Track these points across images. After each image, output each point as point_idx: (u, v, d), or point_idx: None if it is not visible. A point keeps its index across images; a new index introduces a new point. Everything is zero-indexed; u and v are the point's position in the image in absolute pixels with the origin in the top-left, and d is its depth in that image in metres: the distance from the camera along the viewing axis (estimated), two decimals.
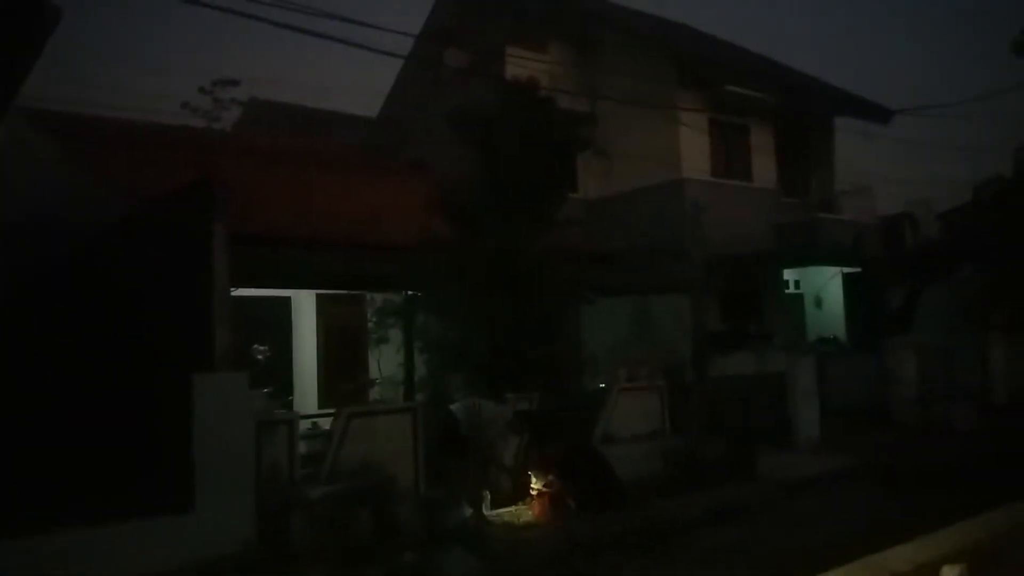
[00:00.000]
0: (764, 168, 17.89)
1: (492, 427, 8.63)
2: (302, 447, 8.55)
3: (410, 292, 11.02)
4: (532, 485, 8.77)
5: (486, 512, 8.58)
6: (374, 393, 11.77)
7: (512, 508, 8.82)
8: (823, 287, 18.02)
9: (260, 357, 10.56)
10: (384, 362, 11.69)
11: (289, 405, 10.93)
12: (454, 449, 8.55)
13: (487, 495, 8.66)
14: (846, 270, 17.74)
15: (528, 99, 11.24)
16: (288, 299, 12.05)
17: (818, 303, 18.12)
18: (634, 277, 13.53)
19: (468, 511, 8.28)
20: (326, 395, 11.52)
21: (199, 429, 7.48)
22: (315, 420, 9.85)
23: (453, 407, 8.89)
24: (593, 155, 14.20)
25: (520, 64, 14.92)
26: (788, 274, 17.53)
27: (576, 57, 17.30)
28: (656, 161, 15.69)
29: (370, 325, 11.58)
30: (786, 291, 17.50)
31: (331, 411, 9.54)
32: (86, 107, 12.83)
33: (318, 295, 12.00)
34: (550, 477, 8.68)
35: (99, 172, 11.75)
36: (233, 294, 8.29)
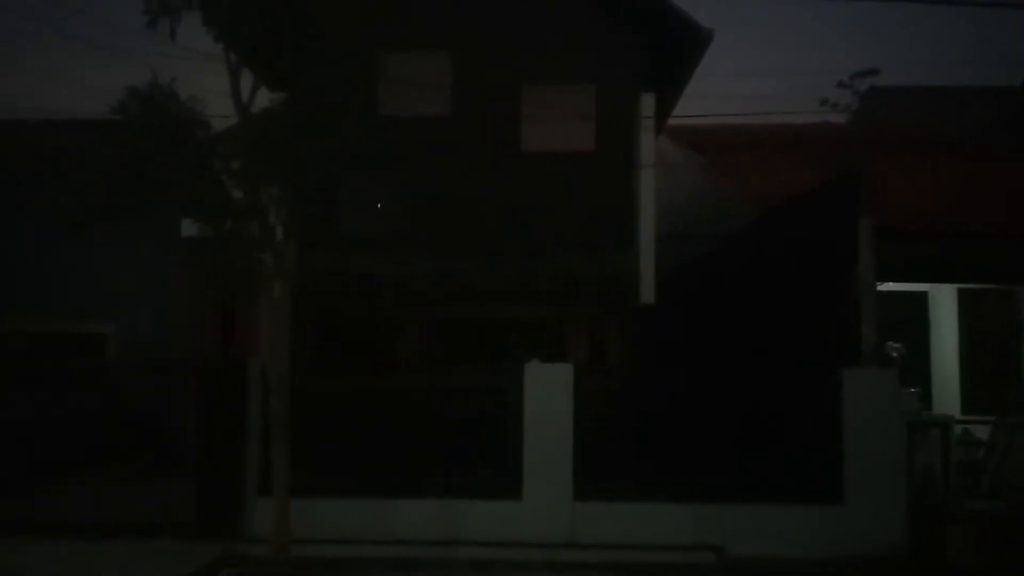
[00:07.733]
0: None
1: None
2: (956, 453, 7.99)
3: None
4: None
5: None
6: None
7: None
8: None
9: (895, 355, 10.17)
10: None
11: (928, 407, 10.28)
12: None
13: None
14: None
15: None
16: (925, 294, 11.35)
17: None
18: None
19: None
20: (971, 399, 10.49)
21: (848, 423, 7.57)
22: (966, 426, 9.06)
23: None
24: None
25: None
26: None
27: None
28: None
29: None
30: None
31: (981, 418, 8.72)
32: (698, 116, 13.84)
33: (959, 290, 11.00)
34: None
35: (727, 176, 12.79)
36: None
